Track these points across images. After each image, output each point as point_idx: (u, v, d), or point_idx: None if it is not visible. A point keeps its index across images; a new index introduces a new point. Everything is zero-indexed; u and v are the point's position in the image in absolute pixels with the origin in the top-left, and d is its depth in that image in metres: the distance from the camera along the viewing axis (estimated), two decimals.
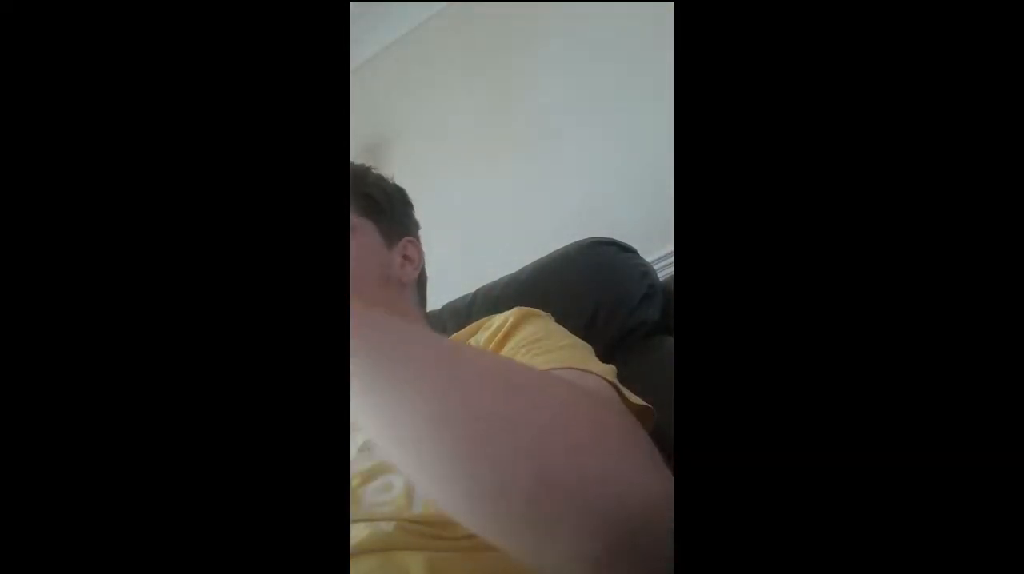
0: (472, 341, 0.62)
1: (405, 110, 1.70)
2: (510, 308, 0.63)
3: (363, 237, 0.68)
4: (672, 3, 0.32)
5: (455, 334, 0.67)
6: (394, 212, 0.74)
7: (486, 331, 0.62)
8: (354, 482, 0.48)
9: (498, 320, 0.62)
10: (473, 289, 0.98)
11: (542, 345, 0.54)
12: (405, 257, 0.71)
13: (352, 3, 0.42)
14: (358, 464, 0.51)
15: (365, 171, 0.74)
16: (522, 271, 0.94)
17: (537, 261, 0.94)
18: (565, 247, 0.92)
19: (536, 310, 0.64)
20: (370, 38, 1.75)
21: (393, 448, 0.28)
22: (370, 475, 0.48)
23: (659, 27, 1.25)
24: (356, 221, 0.67)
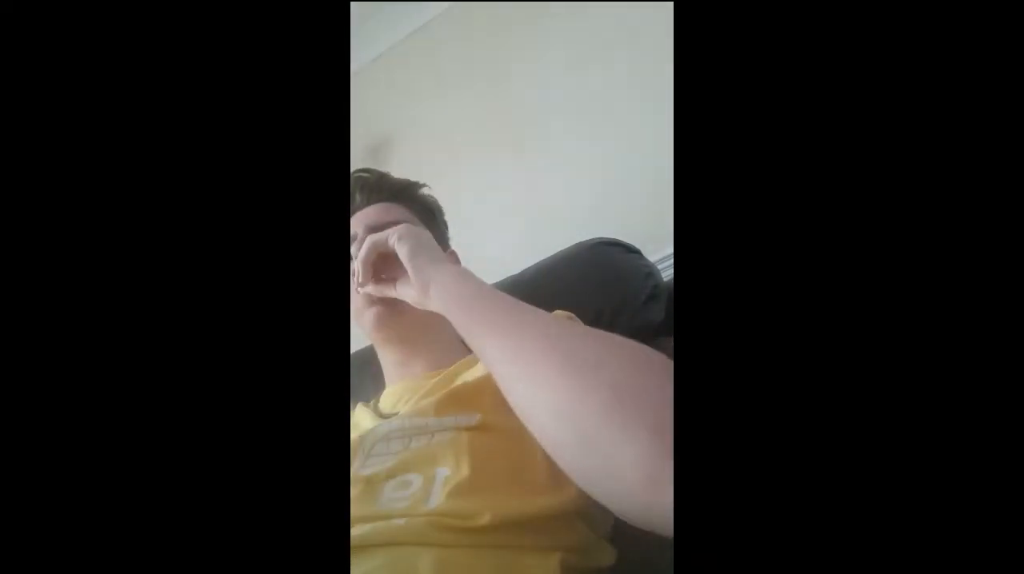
0: None
1: (406, 112, 1.70)
2: None
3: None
4: (672, 3, 0.32)
5: None
6: (440, 224, 0.85)
7: None
8: (376, 477, 0.52)
9: None
10: None
11: None
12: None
13: (352, 5, 0.42)
14: (381, 460, 0.54)
15: (417, 185, 0.83)
16: (525, 272, 0.93)
17: (540, 262, 0.93)
18: (568, 248, 0.92)
19: (568, 313, 0.66)
20: (370, 40, 1.75)
21: (513, 378, 0.41)
22: (392, 472, 0.52)
23: (659, 27, 1.25)
24: (416, 229, 0.69)
